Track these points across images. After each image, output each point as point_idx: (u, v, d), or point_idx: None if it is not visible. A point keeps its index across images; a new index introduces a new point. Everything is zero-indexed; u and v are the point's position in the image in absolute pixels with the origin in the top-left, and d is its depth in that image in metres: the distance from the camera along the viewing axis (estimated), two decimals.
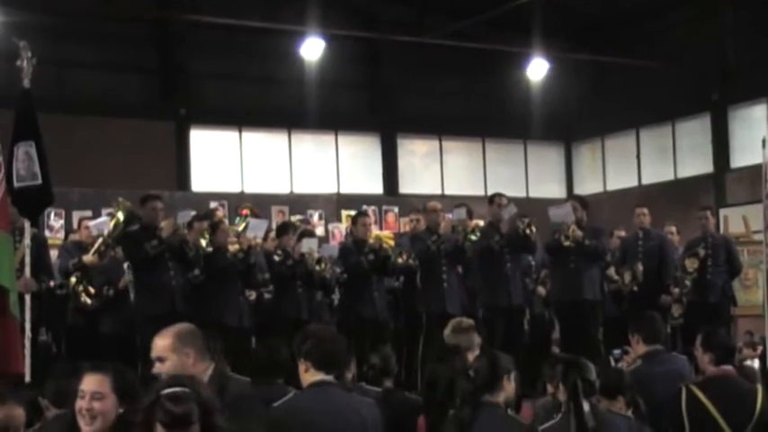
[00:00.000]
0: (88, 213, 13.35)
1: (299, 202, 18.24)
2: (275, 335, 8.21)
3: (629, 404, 5.35)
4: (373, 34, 19.51)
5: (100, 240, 9.79)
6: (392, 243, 11.68)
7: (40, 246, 8.74)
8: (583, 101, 21.35)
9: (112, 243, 9.67)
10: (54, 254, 10.36)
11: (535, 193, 20.94)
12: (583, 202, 10.59)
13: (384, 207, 19.39)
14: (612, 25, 19.91)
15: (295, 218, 13.76)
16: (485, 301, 10.30)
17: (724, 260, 10.98)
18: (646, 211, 11.17)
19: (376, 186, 20.22)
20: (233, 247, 9.83)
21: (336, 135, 20.00)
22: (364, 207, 15.90)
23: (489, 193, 12.87)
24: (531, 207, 13.53)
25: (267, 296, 10.15)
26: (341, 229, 16.70)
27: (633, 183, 20.74)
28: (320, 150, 19.85)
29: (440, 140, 21.02)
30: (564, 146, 22.39)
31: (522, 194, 19.90)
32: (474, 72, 20.38)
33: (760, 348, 12.43)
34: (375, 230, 13.74)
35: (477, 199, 14.92)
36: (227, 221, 11.50)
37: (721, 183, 19.04)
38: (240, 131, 19.11)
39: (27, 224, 7.29)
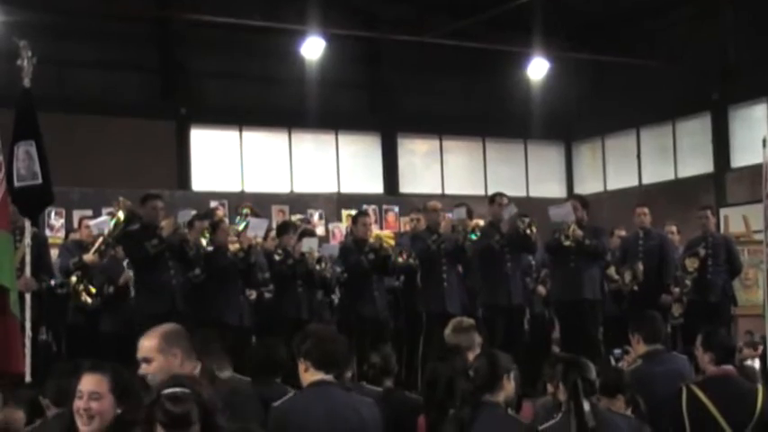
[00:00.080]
0: (89, 212, 13.37)
1: (299, 202, 18.23)
2: (276, 334, 8.22)
3: (628, 403, 5.35)
4: (374, 34, 19.50)
5: (100, 239, 9.80)
6: (392, 242, 11.68)
7: (40, 245, 8.73)
8: (583, 100, 21.35)
9: (113, 242, 9.67)
10: (54, 253, 10.38)
11: (535, 192, 20.94)
12: (583, 201, 10.58)
13: (384, 206, 19.40)
14: (613, 24, 19.90)
15: (295, 217, 13.74)
16: (485, 301, 10.30)
17: (724, 260, 10.97)
18: (646, 210, 11.16)
19: (376, 186, 20.22)
20: (233, 247, 9.83)
21: (337, 134, 20.00)
22: (364, 206, 15.93)
23: (489, 192, 12.89)
24: (532, 206, 13.53)
25: (267, 295, 10.15)
26: (341, 228, 16.69)
27: (633, 182, 20.74)
28: (320, 150, 19.84)
29: (440, 140, 21.02)
30: (564, 145, 22.39)
31: (522, 194, 19.91)
32: (474, 71, 20.38)
33: (760, 348, 12.44)
34: (375, 230, 13.75)
35: (477, 198, 14.93)
36: (227, 221, 11.50)
37: (722, 182, 19.04)
38: (241, 131, 19.11)
39: (27, 223, 7.29)
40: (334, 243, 13.01)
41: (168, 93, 18.43)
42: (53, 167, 7.13)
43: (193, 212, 10.20)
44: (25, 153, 6.94)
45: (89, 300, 9.57)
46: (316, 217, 17.99)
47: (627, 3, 19.46)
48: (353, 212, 12.42)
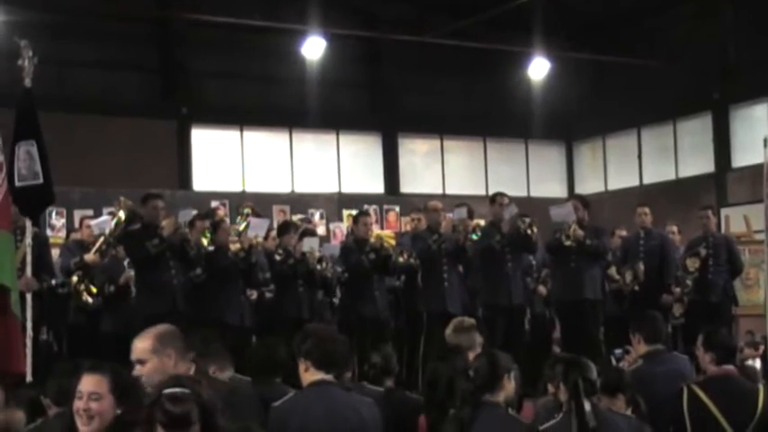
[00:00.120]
0: (89, 212, 13.37)
1: (300, 202, 18.24)
2: (276, 334, 8.21)
3: (628, 403, 5.35)
4: (374, 33, 19.50)
5: (101, 239, 9.80)
6: (393, 242, 11.67)
7: (41, 245, 8.72)
8: (584, 100, 21.34)
9: (114, 242, 9.67)
10: (55, 253, 10.38)
11: (536, 192, 20.93)
12: (584, 201, 10.58)
13: (385, 206, 19.40)
14: (613, 24, 19.89)
15: (296, 217, 13.73)
16: (485, 301, 10.30)
17: (725, 260, 10.97)
18: (647, 210, 11.16)
19: (377, 186, 20.22)
20: (234, 247, 9.83)
21: (337, 134, 20.00)
22: (365, 206, 15.94)
23: (490, 192, 12.88)
24: (533, 206, 13.54)
25: (268, 295, 10.15)
26: (342, 228, 16.68)
27: (634, 182, 20.73)
28: (321, 149, 19.84)
29: (441, 140, 21.01)
30: (565, 145, 22.38)
31: (523, 194, 19.90)
32: (475, 71, 20.37)
33: (761, 348, 12.45)
34: (376, 230, 13.75)
35: (478, 198, 14.93)
36: (228, 220, 11.50)
37: (722, 182, 19.03)
38: (241, 130, 19.11)
39: (28, 223, 7.28)
40: (335, 243, 13.00)
41: (168, 92, 18.43)
42: (54, 167, 7.13)
43: (194, 212, 10.20)
44: (26, 153, 6.94)
45: (90, 300, 9.58)
46: (316, 217, 17.99)
47: (627, 2, 19.45)
48: (354, 212, 12.41)
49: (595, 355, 7.64)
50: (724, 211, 16.73)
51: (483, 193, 18.29)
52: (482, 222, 10.77)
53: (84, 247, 10.11)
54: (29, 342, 6.86)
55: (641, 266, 10.64)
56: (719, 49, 18.89)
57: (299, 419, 4.40)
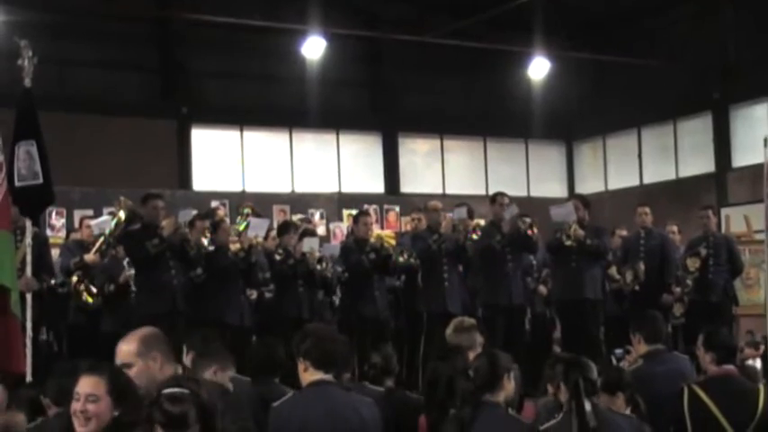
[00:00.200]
0: (89, 212, 13.37)
1: (300, 201, 18.23)
2: (276, 334, 8.20)
3: (628, 402, 5.34)
4: (374, 33, 19.50)
5: (101, 239, 9.80)
6: (393, 242, 11.67)
7: (41, 245, 8.73)
8: (584, 100, 21.34)
9: (114, 242, 9.68)
10: (55, 253, 10.38)
11: (536, 192, 20.92)
12: (584, 201, 10.58)
13: (385, 206, 19.39)
14: (613, 24, 19.89)
15: (296, 217, 13.72)
16: (485, 301, 10.29)
17: (725, 259, 10.97)
18: (647, 210, 11.16)
19: (377, 185, 20.21)
20: (234, 246, 9.83)
21: (338, 134, 20.00)
22: (365, 206, 15.93)
23: (490, 192, 12.88)
24: (533, 206, 13.54)
25: (268, 295, 10.15)
26: (342, 228, 16.68)
27: (635, 182, 20.72)
28: (321, 149, 19.84)
29: (441, 139, 21.01)
30: (565, 145, 22.38)
31: (523, 194, 19.90)
32: (475, 71, 20.37)
33: (762, 348, 12.44)
34: (376, 229, 13.74)
35: (478, 198, 14.93)
36: (228, 220, 11.50)
37: (723, 182, 19.02)
38: (241, 130, 19.11)
39: (28, 223, 7.29)
40: (335, 243, 13.00)
41: (169, 92, 18.43)
42: (54, 167, 7.13)
43: (194, 212, 10.19)
44: (26, 153, 6.95)
45: (90, 299, 9.58)
46: (317, 217, 17.98)
47: (627, 2, 19.44)
48: (354, 212, 12.41)
49: (596, 355, 7.65)
50: (724, 211, 16.73)
51: (483, 192, 18.28)
52: (482, 222, 10.75)
53: (84, 247, 10.11)
54: (29, 342, 6.86)
55: (642, 266, 10.64)
56: (720, 49, 18.88)
57: (299, 419, 4.40)
